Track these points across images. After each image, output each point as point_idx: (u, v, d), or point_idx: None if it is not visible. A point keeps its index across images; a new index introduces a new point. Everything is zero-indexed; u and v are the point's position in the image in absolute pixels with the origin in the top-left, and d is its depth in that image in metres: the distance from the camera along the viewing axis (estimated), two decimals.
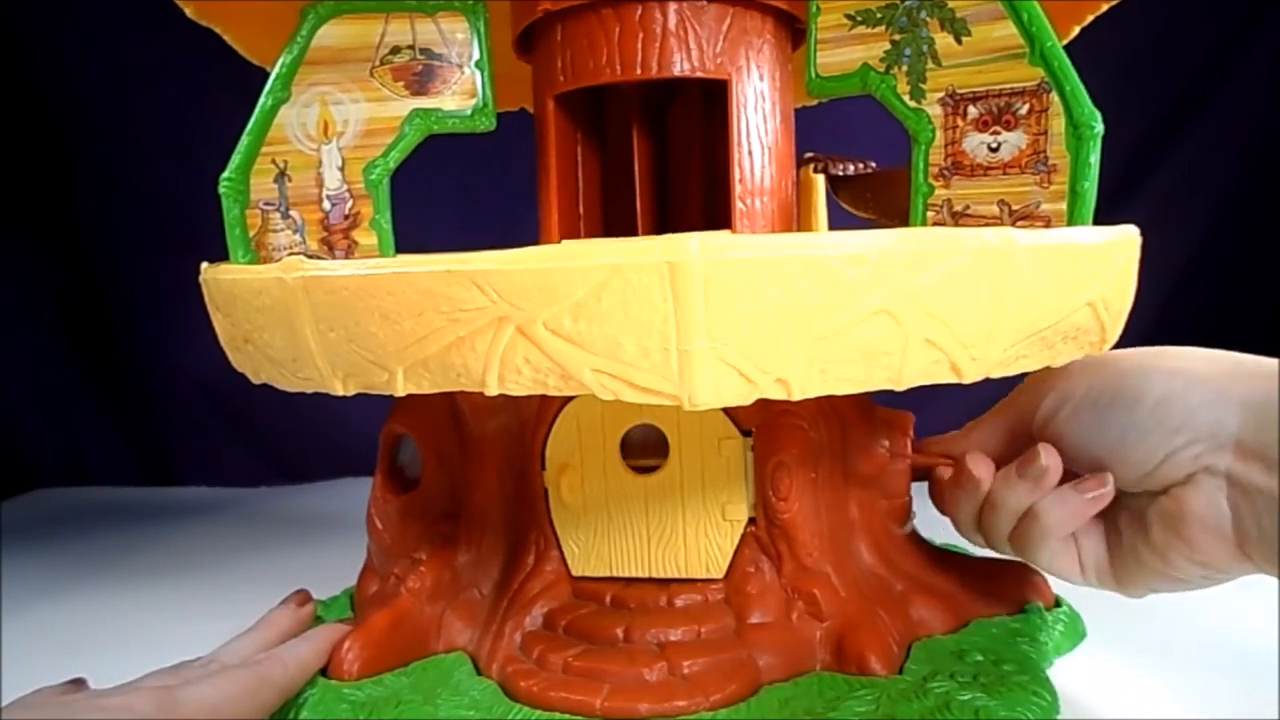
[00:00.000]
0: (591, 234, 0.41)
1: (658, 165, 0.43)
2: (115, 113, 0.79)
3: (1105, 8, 0.39)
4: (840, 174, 0.49)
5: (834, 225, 0.47)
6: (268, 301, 0.28)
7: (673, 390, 0.24)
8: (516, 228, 0.54)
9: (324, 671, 0.35)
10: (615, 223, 0.42)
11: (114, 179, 0.80)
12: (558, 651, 0.33)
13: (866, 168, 0.49)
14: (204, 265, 0.35)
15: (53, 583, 0.56)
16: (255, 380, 0.32)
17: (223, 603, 0.37)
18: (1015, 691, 0.31)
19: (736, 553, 0.36)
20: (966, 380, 0.26)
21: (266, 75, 0.37)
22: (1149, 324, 0.37)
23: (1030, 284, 0.26)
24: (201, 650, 0.35)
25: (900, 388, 0.25)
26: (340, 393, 0.28)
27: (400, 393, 0.26)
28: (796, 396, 0.25)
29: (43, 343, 0.84)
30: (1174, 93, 0.75)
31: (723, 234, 0.24)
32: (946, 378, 0.26)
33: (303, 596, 0.41)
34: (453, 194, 0.75)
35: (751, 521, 0.36)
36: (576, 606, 0.36)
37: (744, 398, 0.24)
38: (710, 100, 0.41)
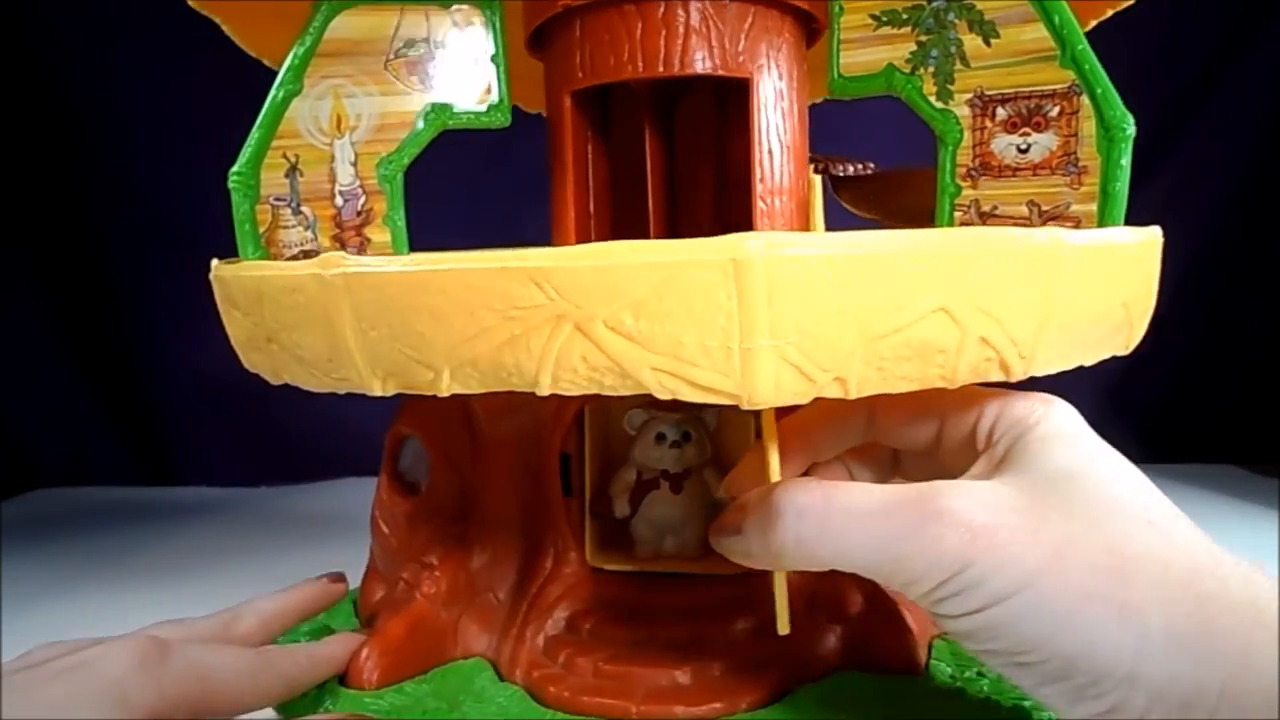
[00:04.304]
0: (602, 234, 0.41)
1: (665, 164, 0.43)
2: (114, 112, 0.78)
3: (1109, 12, 0.40)
4: (840, 174, 0.49)
5: (833, 225, 0.47)
6: (301, 299, 0.27)
7: (733, 389, 0.24)
8: (515, 228, 0.54)
9: (341, 681, 0.34)
10: (625, 222, 0.42)
11: (114, 179, 0.79)
12: (586, 655, 0.33)
13: (865, 168, 0.50)
14: (215, 262, 0.34)
15: (53, 583, 0.56)
16: (275, 381, 0.31)
17: (223, 603, 0.36)
18: None
19: None
20: (1014, 378, 0.26)
21: (268, 76, 0.36)
22: (1152, 321, 0.38)
23: (1076, 284, 0.26)
24: None
25: (953, 386, 0.26)
26: (378, 393, 0.27)
27: (444, 393, 0.26)
28: (853, 395, 0.25)
29: (43, 343, 0.83)
30: (1177, 92, 0.76)
31: (783, 233, 0.23)
32: (996, 376, 0.26)
33: (336, 575, 0.39)
34: (450, 194, 0.74)
35: None
36: (600, 610, 0.36)
37: (802, 396, 0.24)
38: (723, 99, 0.40)
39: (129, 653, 0.26)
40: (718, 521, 0.28)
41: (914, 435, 0.29)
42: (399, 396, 0.40)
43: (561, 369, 0.24)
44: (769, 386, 0.24)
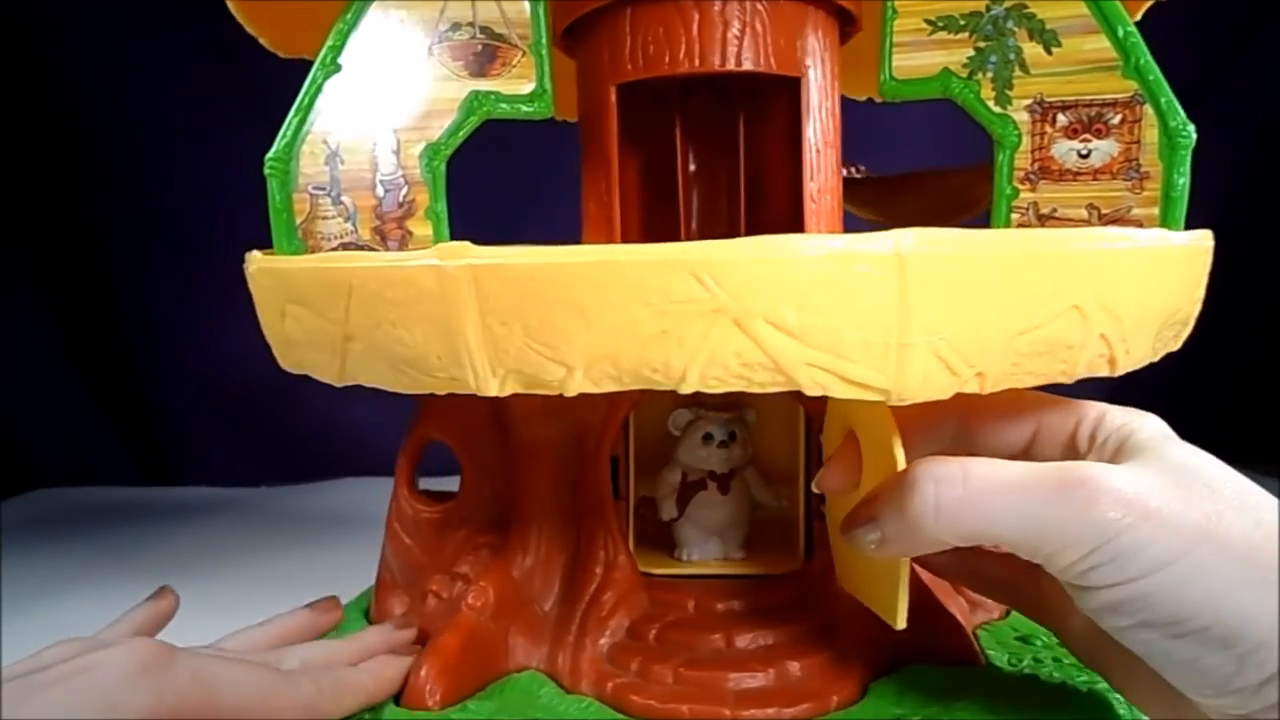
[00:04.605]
0: (634, 233, 0.40)
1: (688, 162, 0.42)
2: (114, 112, 0.77)
3: None
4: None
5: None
6: (412, 293, 0.25)
7: (885, 384, 0.24)
8: (515, 227, 0.52)
9: (396, 701, 0.32)
10: (655, 221, 0.41)
11: (114, 179, 0.78)
12: (661, 662, 0.32)
13: (858, 172, 0.51)
14: (256, 254, 0.31)
15: (53, 583, 0.57)
16: (338, 383, 0.29)
17: (223, 603, 0.35)
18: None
19: (814, 549, 0.36)
20: (1116, 373, 0.27)
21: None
22: None
23: (1173, 281, 0.27)
24: None
25: (1069, 381, 0.26)
26: (493, 393, 0.25)
27: (572, 392, 0.24)
28: (988, 390, 0.25)
29: (43, 343, 0.82)
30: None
31: (936, 229, 0.23)
32: (1103, 371, 0.27)
33: (329, 604, 0.37)
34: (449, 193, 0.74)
35: (820, 516, 0.36)
36: (662, 615, 0.35)
37: (946, 390, 0.24)
38: (752, 96, 0.40)
39: (131, 659, 0.26)
40: (849, 516, 0.28)
41: (1006, 439, 0.29)
42: (410, 399, 0.38)
43: (712, 365, 0.23)
44: (918, 381, 0.24)
